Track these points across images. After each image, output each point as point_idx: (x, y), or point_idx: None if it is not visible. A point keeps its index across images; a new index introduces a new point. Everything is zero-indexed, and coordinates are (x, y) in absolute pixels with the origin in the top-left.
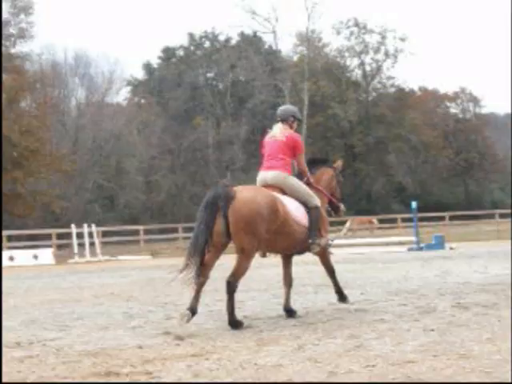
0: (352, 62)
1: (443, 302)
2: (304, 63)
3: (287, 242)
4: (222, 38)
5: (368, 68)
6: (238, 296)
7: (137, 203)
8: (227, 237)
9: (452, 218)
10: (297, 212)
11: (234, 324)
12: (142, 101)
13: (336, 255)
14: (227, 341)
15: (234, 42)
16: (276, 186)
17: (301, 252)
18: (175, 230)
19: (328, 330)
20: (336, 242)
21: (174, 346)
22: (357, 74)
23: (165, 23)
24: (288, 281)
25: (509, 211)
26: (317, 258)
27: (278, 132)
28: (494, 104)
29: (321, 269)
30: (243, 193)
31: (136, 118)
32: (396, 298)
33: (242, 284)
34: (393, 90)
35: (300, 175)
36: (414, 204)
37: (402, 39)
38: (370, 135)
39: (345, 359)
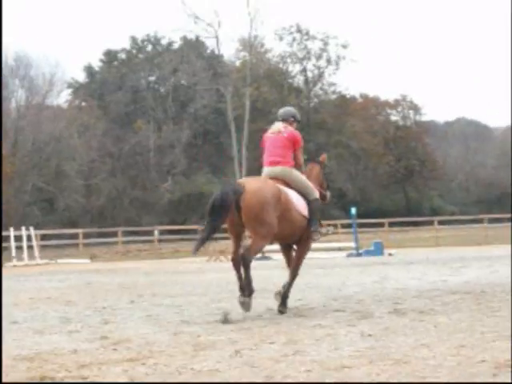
0: (294, 68)
1: (380, 307)
2: (246, 68)
3: (289, 230)
4: (164, 41)
5: (310, 74)
6: (176, 300)
7: (76, 206)
8: (242, 226)
9: (391, 225)
10: (297, 202)
11: (250, 293)
12: (83, 103)
13: (276, 260)
14: (164, 345)
15: (176, 46)
16: (281, 179)
17: (296, 243)
18: (115, 234)
19: (265, 335)
20: (276, 247)
21: (111, 350)
22: (299, 80)
23: (107, 26)
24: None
25: (448, 218)
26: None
27: (281, 127)
28: (433, 112)
29: (259, 273)
30: (251, 185)
31: (76, 120)
32: (334, 303)
33: (181, 288)
34: (334, 96)
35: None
36: (353, 210)
37: (344, 46)
38: (310, 141)
39: (282, 364)
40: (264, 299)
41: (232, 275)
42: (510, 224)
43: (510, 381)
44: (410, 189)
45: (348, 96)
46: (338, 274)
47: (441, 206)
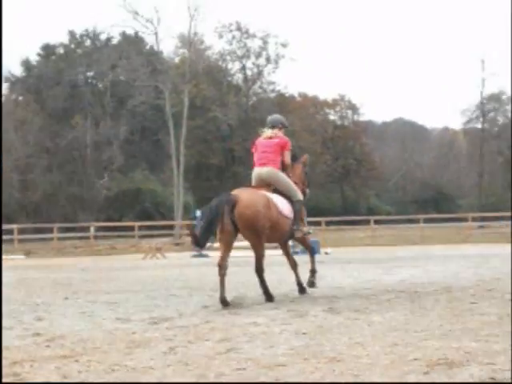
0: (233, 66)
1: (316, 306)
2: (185, 65)
3: (279, 234)
4: (103, 37)
5: (249, 72)
6: (111, 297)
7: (12, 202)
8: (235, 235)
9: (328, 224)
10: (283, 207)
11: (270, 298)
12: (20, 98)
13: (213, 258)
14: (98, 342)
15: (115, 41)
16: (268, 182)
17: (287, 240)
18: (50, 230)
19: (200, 332)
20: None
21: (44, 347)
22: (238, 77)
23: (45, 20)
24: (292, 263)
25: (384, 217)
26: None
27: (270, 134)
28: (371, 112)
29: (195, 271)
30: (244, 196)
31: (13, 115)
32: (269, 301)
33: (116, 285)
34: (273, 95)
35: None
36: None
37: (284, 45)
38: (249, 139)
39: (215, 362)
40: (199, 297)
41: (168, 273)
42: (444, 224)
43: (441, 380)
44: (347, 188)
45: (287, 95)
46: (274, 272)
47: (377, 205)
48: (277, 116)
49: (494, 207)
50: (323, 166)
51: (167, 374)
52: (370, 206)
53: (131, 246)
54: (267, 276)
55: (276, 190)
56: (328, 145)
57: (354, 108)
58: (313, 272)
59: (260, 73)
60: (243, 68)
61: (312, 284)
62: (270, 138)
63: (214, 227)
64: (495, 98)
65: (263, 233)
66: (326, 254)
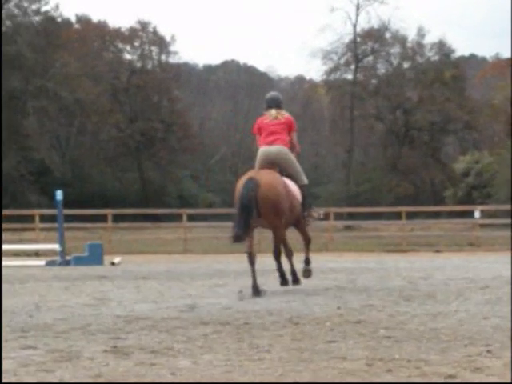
0: None
1: (93, 344)
2: None
3: (293, 216)
4: None
5: None
6: None
7: None
8: (258, 217)
9: (117, 219)
10: (294, 189)
11: (285, 282)
12: None
13: None
14: None
15: None
16: (276, 163)
17: (293, 225)
18: None
19: None
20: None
21: None
22: None
23: None
24: (288, 253)
25: (219, 211)
26: None
27: (276, 114)
28: (189, 51)
29: None
30: (264, 179)
31: None
32: (22, 337)
33: None
34: (38, 18)
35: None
36: (58, 195)
37: None
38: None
39: None
40: None
41: None
42: None
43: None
44: (149, 164)
45: (59, 19)
46: (31, 291)
47: (196, 193)
48: (276, 94)
49: (367, 199)
50: (113, 130)
51: None
52: (184, 192)
53: None
54: (20, 298)
55: (281, 173)
56: (121, 98)
57: (161, 43)
58: (307, 261)
59: None
60: None
61: (307, 273)
62: (276, 118)
63: (251, 215)
64: (374, 35)
65: (284, 214)
66: (113, 264)
